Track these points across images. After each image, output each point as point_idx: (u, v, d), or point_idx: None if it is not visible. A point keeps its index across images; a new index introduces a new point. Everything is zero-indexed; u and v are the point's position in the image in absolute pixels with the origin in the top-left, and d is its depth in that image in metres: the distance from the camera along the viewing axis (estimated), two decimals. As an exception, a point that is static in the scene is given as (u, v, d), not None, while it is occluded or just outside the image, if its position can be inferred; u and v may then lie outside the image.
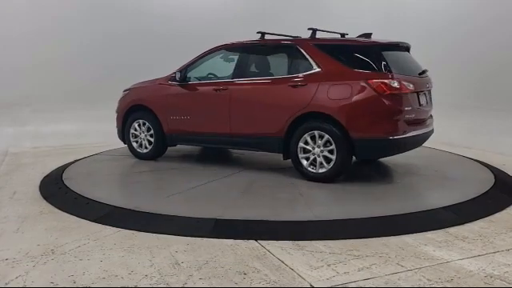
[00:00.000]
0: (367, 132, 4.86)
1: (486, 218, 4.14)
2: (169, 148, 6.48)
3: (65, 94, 8.82)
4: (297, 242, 3.55)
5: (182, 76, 5.99)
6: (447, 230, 3.84)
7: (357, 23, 8.04)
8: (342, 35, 5.84)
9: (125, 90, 6.72)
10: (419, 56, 5.74)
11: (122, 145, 6.90)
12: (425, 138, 5.47)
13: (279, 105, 5.26)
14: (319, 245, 3.49)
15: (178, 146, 6.55)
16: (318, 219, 4.01)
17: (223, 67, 6.07)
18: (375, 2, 10.11)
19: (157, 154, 6.43)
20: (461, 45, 8.81)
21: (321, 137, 5.03)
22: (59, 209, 4.42)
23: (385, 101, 4.79)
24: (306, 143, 5.13)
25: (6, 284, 2.90)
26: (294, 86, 5.20)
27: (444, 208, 4.25)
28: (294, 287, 2.88)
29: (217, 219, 3.95)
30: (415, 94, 5.11)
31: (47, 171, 5.95)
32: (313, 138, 5.09)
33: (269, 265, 3.17)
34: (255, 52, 5.81)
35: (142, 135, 6.41)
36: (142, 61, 9.00)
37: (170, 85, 6.12)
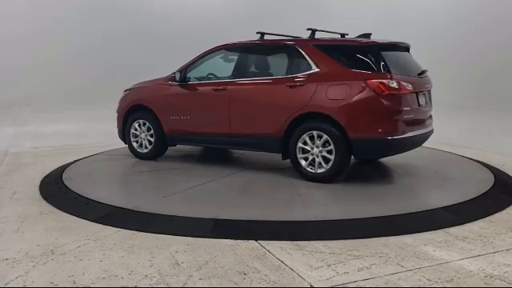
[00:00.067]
0: (366, 132, 4.86)
1: (485, 218, 4.14)
2: (169, 148, 6.48)
3: (65, 94, 8.82)
4: (297, 242, 3.55)
5: (182, 76, 6.00)
6: (447, 230, 3.84)
7: (357, 23, 8.04)
8: (342, 35, 5.84)
9: (125, 90, 6.72)
10: (419, 56, 5.74)
11: (122, 145, 6.90)
12: (424, 138, 5.47)
13: (278, 105, 5.26)
14: (319, 245, 3.50)
15: (179, 146, 6.55)
16: (317, 219, 4.01)
17: (223, 67, 6.08)
18: (375, 2, 10.11)
19: (157, 153, 6.43)
20: (461, 45, 8.81)
21: (319, 137, 5.04)
22: (59, 209, 4.42)
23: (383, 101, 4.78)
24: (305, 143, 5.13)
25: (6, 284, 2.90)
26: (293, 87, 5.20)
27: (444, 208, 4.26)
28: (294, 287, 2.88)
29: (217, 219, 3.95)
30: (414, 95, 5.10)
31: (47, 171, 5.95)
32: (311, 138, 5.09)
33: (269, 265, 3.17)
34: (254, 52, 5.82)
35: (143, 135, 6.42)
36: (142, 61, 9.00)
37: (170, 85, 6.12)
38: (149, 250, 3.43)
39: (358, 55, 5.12)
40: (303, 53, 5.27)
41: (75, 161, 6.48)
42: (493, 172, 5.68)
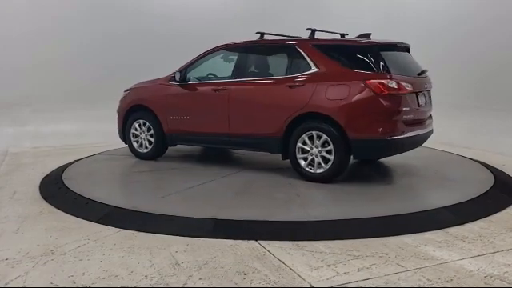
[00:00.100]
0: (365, 132, 4.86)
1: (485, 218, 4.14)
2: (170, 148, 6.49)
3: (65, 94, 8.83)
4: (297, 242, 3.55)
5: (182, 76, 6.00)
6: (447, 230, 3.84)
7: (357, 23, 8.04)
8: (342, 35, 5.84)
9: (126, 90, 6.73)
10: (419, 56, 5.74)
11: (122, 145, 6.90)
12: (424, 138, 5.47)
13: (277, 105, 5.26)
14: (319, 245, 3.50)
15: (179, 146, 6.55)
16: (317, 219, 4.01)
17: (222, 67, 6.08)
18: (375, 2, 10.12)
19: (157, 153, 6.44)
20: (461, 45, 8.81)
21: (319, 137, 5.03)
22: (59, 209, 4.42)
23: (382, 101, 4.78)
24: (304, 143, 5.13)
25: (6, 284, 2.91)
26: (292, 87, 5.20)
27: (444, 208, 4.25)
28: (294, 287, 2.88)
29: (217, 219, 3.95)
30: (414, 95, 5.10)
31: (47, 171, 5.95)
32: (311, 138, 5.09)
33: (269, 265, 3.17)
34: (254, 52, 5.82)
35: (143, 135, 6.42)
36: (142, 61, 9.01)
37: (170, 85, 6.12)
38: (149, 250, 3.43)
39: (357, 55, 5.11)
40: (302, 53, 5.27)
41: (75, 161, 6.48)
42: (493, 172, 5.68)
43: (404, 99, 4.91)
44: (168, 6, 9.54)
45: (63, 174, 5.64)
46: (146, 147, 6.43)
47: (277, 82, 5.42)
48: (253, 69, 5.78)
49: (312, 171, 5.13)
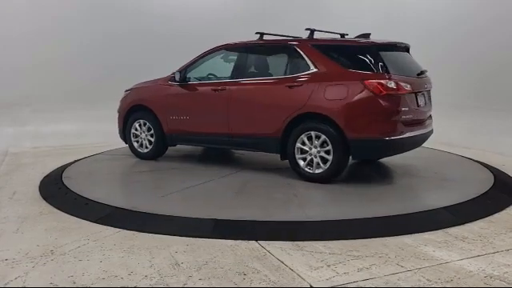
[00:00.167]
0: (363, 132, 4.85)
1: (485, 219, 4.14)
2: (170, 148, 6.49)
3: (65, 94, 8.82)
4: (296, 242, 3.55)
5: (182, 76, 6.00)
6: (447, 230, 3.84)
7: (357, 23, 8.04)
8: (342, 35, 5.84)
9: (126, 90, 6.74)
10: (419, 56, 5.74)
11: (122, 145, 6.91)
12: (424, 138, 5.47)
13: (276, 105, 5.26)
14: (319, 245, 3.50)
15: (179, 146, 6.56)
16: (317, 220, 4.01)
17: (222, 67, 6.08)
18: (375, 2, 10.11)
19: (157, 153, 6.45)
20: (461, 45, 8.81)
21: (317, 137, 5.03)
22: (59, 209, 4.42)
23: (381, 101, 4.78)
24: (303, 144, 5.13)
25: (6, 284, 2.91)
26: (291, 87, 5.20)
27: (443, 208, 4.25)
28: (294, 287, 2.88)
29: (217, 219, 3.95)
30: (413, 95, 5.09)
31: (47, 171, 5.95)
32: (310, 138, 5.09)
33: (268, 265, 3.17)
34: (253, 52, 5.81)
35: (143, 135, 6.43)
36: (141, 61, 9.01)
37: (170, 85, 6.13)
38: (148, 250, 3.43)
39: (356, 55, 5.11)
40: (302, 53, 5.27)
41: (75, 161, 6.48)
42: (492, 172, 5.68)
43: (403, 99, 4.91)
44: (168, 5, 9.54)
45: (63, 174, 5.64)
46: (147, 147, 6.44)
47: (276, 82, 5.42)
48: (252, 69, 5.78)
49: (311, 171, 5.13)
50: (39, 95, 8.66)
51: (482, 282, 2.93)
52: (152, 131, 6.32)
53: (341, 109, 4.89)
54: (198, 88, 5.99)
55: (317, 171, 5.09)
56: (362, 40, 5.39)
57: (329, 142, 4.95)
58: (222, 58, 6.15)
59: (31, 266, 3.17)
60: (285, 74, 5.40)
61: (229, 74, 5.80)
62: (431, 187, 5.20)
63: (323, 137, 4.98)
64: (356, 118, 4.87)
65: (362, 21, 9.00)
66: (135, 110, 6.47)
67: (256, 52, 5.83)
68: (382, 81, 4.78)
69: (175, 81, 6.05)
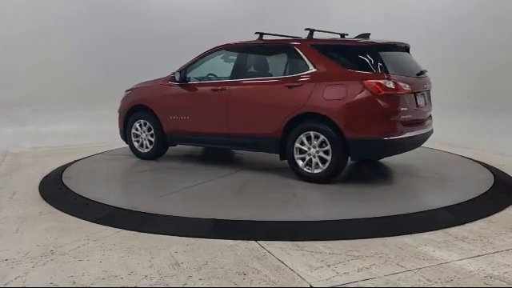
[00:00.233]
0: (362, 133, 4.85)
1: (485, 219, 4.14)
2: (171, 148, 6.50)
3: (65, 94, 8.82)
4: (296, 242, 3.55)
5: (182, 76, 6.01)
6: (447, 230, 3.84)
7: (357, 23, 8.04)
8: (342, 35, 5.84)
9: (127, 90, 6.75)
10: (419, 56, 5.74)
11: (123, 145, 6.92)
12: (424, 138, 5.46)
13: (276, 105, 5.26)
14: (319, 245, 3.50)
15: (180, 146, 6.57)
16: (316, 220, 4.02)
17: (222, 67, 6.09)
18: (375, 2, 10.11)
19: (157, 153, 6.45)
20: (461, 45, 8.80)
21: (316, 137, 5.03)
22: (59, 209, 4.42)
23: (380, 101, 4.77)
24: (302, 144, 5.13)
25: (6, 284, 2.91)
26: (290, 87, 5.20)
27: (443, 208, 4.25)
28: (294, 287, 2.88)
29: (216, 219, 3.95)
30: (412, 95, 5.09)
31: (47, 171, 5.95)
32: (308, 138, 5.09)
33: (268, 265, 3.17)
34: (253, 52, 5.81)
35: (143, 135, 6.44)
36: (141, 61, 9.01)
37: (170, 85, 6.13)
38: (148, 250, 3.43)
39: (355, 55, 5.11)
40: (301, 53, 5.27)
41: (75, 161, 6.48)
42: (492, 172, 5.68)
43: (402, 99, 4.90)
44: (168, 5, 9.54)
45: (63, 174, 5.65)
46: (147, 147, 6.45)
47: (275, 82, 5.42)
48: (252, 69, 5.78)
49: (309, 171, 5.12)
50: (39, 95, 8.66)
51: (481, 282, 2.93)
52: (152, 131, 6.33)
53: (340, 109, 4.88)
54: (198, 88, 5.99)
55: (316, 171, 5.09)
56: (362, 40, 5.39)
57: (328, 142, 4.95)
58: (222, 58, 6.15)
59: (31, 265, 3.17)
60: (284, 74, 5.40)
61: (228, 74, 5.80)
62: (431, 187, 5.20)
63: (322, 137, 4.98)
64: (355, 118, 4.87)
65: (362, 21, 9.00)
66: (136, 110, 6.47)
67: (255, 52, 5.83)
68: (380, 81, 4.78)
69: (175, 81, 6.06)
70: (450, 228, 3.87)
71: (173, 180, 5.40)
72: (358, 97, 4.82)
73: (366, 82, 4.80)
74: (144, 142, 6.45)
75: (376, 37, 5.50)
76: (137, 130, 6.48)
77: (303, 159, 5.15)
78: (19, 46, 8.54)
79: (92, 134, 8.20)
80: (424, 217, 4.11)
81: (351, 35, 5.75)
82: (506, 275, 3.03)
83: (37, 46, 8.66)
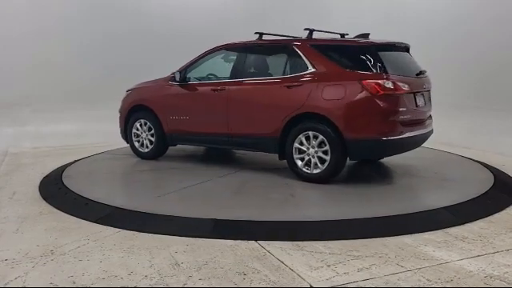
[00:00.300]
0: (361, 133, 4.84)
1: (485, 219, 4.14)
2: (171, 147, 6.50)
3: (65, 94, 8.83)
4: (296, 242, 3.55)
5: (182, 76, 6.01)
6: (447, 230, 3.84)
7: (357, 23, 8.05)
8: (342, 35, 5.84)
9: (128, 90, 6.75)
10: (419, 56, 5.74)
11: (123, 144, 6.92)
12: (423, 138, 5.46)
13: (275, 105, 5.26)
14: (319, 245, 3.50)
15: (181, 146, 6.57)
16: (316, 220, 4.02)
17: (222, 67, 6.09)
18: (375, 2, 10.11)
19: (158, 153, 6.46)
20: (461, 45, 8.80)
21: (315, 137, 5.03)
22: (59, 209, 4.42)
23: (378, 101, 4.77)
24: (301, 144, 5.13)
25: (6, 284, 2.91)
26: (290, 87, 5.20)
27: (443, 208, 4.25)
28: (294, 287, 2.88)
29: (216, 219, 3.95)
30: (411, 95, 5.08)
31: (47, 171, 5.95)
32: (308, 138, 5.08)
33: (268, 265, 3.17)
34: (252, 52, 5.81)
35: (144, 135, 6.45)
36: (142, 61, 9.01)
37: (170, 85, 6.14)
38: (148, 250, 3.43)
39: (354, 55, 5.11)
40: (300, 53, 5.27)
41: (75, 161, 6.48)
42: (492, 172, 5.68)
43: (401, 99, 4.90)
44: (168, 5, 9.54)
45: (63, 174, 5.65)
46: (147, 147, 6.46)
47: (274, 82, 5.42)
48: (251, 69, 5.78)
49: (308, 171, 5.12)
50: (39, 95, 8.66)
51: (481, 282, 2.93)
52: (153, 131, 6.33)
53: (338, 109, 4.88)
54: (198, 88, 6.00)
55: (315, 171, 5.08)
56: (361, 40, 5.38)
57: (326, 143, 4.95)
58: (222, 58, 6.16)
59: (31, 266, 3.17)
60: (283, 74, 5.40)
61: (228, 74, 5.81)
62: (431, 187, 5.20)
63: (321, 137, 4.98)
64: (353, 118, 4.86)
65: (362, 21, 9.00)
66: (136, 109, 6.48)
67: (255, 52, 5.83)
68: (379, 81, 4.77)
69: (175, 81, 6.06)
70: (450, 228, 3.87)
71: (172, 180, 5.40)
72: (357, 97, 4.82)
73: (364, 82, 4.79)
74: (144, 142, 6.46)
75: (376, 37, 5.50)
76: (137, 129, 6.49)
77: (302, 159, 5.15)
78: (19, 45, 8.55)
79: (92, 133, 8.20)
80: (424, 217, 4.11)
81: (351, 35, 5.75)
82: (506, 275, 3.03)
83: (37, 46, 8.66)
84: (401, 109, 4.89)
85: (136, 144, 6.55)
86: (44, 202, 4.72)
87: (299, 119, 5.13)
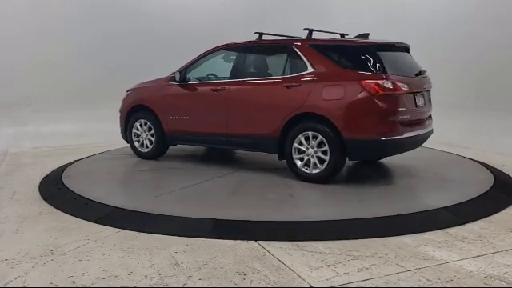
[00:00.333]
0: (360, 133, 4.84)
1: (485, 219, 4.14)
2: (172, 147, 6.51)
3: (65, 94, 8.82)
4: (296, 242, 3.55)
5: (182, 76, 6.02)
6: (447, 230, 3.84)
7: (357, 23, 8.04)
8: (342, 35, 5.84)
9: (128, 90, 6.75)
10: (419, 56, 5.73)
11: (123, 144, 6.92)
12: (423, 138, 5.46)
13: (274, 105, 5.26)
14: (319, 245, 3.50)
15: (182, 146, 6.57)
16: (318, 220, 4.02)
17: (222, 67, 6.09)
18: (375, 2, 10.11)
19: (158, 153, 6.47)
20: (461, 45, 8.80)
21: (314, 137, 5.02)
22: (59, 209, 4.42)
23: (377, 101, 4.77)
24: (301, 144, 5.13)
25: (6, 284, 2.91)
26: (289, 87, 5.20)
27: (443, 208, 4.25)
28: (294, 287, 2.88)
29: (216, 219, 3.95)
30: (411, 95, 5.08)
31: (47, 171, 5.95)
32: (307, 138, 5.08)
33: (268, 265, 3.17)
34: (252, 52, 5.81)
35: (144, 135, 6.45)
36: (142, 61, 9.01)
37: (170, 85, 6.14)
38: (148, 250, 3.43)
39: (354, 55, 5.12)
40: (299, 53, 5.27)
41: (75, 161, 6.48)
42: (492, 172, 5.68)
43: (400, 100, 4.90)
44: (168, 5, 9.54)
45: (63, 174, 5.65)
46: (147, 147, 6.47)
47: (274, 82, 5.43)
48: (251, 69, 5.78)
49: (308, 171, 5.12)
50: (39, 95, 8.66)
51: (481, 282, 2.93)
52: (153, 131, 6.34)
53: (337, 109, 4.88)
54: (198, 88, 6.00)
55: (314, 171, 5.08)
56: (360, 40, 5.38)
57: (326, 143, 4.95)
58: (222, 58, 6.16)
59: (31, 266, 3.17)
60: (283, 74, 5.40)
61: (228, 74, 5.81)
62: (431, 187, 5.20)
63: (320, 137, 4.98)
64: (352, 119, 4.86)
65: (362, 21, 9.00)
66: (136, 109, 6.49)
67: (254, 52, 5.83)
68: (378, 81, 4.77)
69: (175, 81, 6.06)
70: (450, 228, 3.87)
71: (172, 180, 5.41)
72: (356, 97, 4.82)
73: (363, 82, 4.79)
74: (144, 142, 6.47)
75: (376, 37, 5.50)
76: (137, 129, 6.49)
77: (302, 159, 5.15)
78: (19, 45, 8.54)
79: (92, 134, 8.20)
80: (424, 217, 4.11)
81: (351, 35, 5.75)
82: (505, 275, 3.03)
83: (37, 46, 8.66)
84: (400, 109, 4.89)
85: (136, 144, 6.55)
86: (44, 202, 4.72)
87: (298, 119, 5.13)
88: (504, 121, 7.82)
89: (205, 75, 6.18)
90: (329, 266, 3.16)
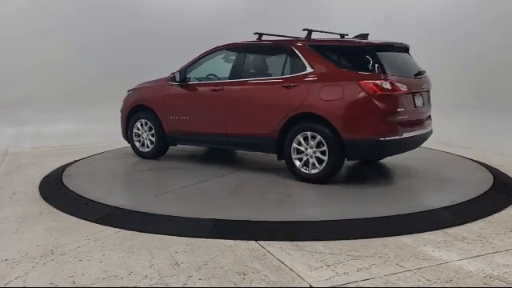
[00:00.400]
0: (358, 133, 4.84)
1: (485, 219, 4.14)
2: (172, 147, 6.51)
3: (65, 94, 8.82)
4: (296, 242, 3.55)
5: (182, 76, 6.02)
6: (446, 230, 3.84)
7: (357, 23, 8.05)
8: (342, 36, 5.84)
9: (129, 90, 6.77)
10: (419, 56, 5.74)
11: (123, 144, 6.93)
12: (423, 139, 5.46)
13: (273, 105, 5.26)
14: (319, 245, 3.50)
15: (182, 146, 6.57)
16: (316, 220, 4.02)
17: (221, 68, 6.10)
18: (375, 2, 10.11)
19: (158, 153, 6.48)
20: (461, 45, 8.80)
21: (313, 138, 5.03)
22: (59, 209, 4.43)
23: (376, 102, 4.76)
24: (299, 144, 5.13)
25: (6, 284, 2.91)
26: (288, 87, 5.20)
27: (443, 208, 4.26)
28: (294, 287, 2.89)
29: (216, 219, 3.96)
30: (410, 95, 5.08)
31: (47, 171, 5.95)
32: (306, 138, 5.08)
33: (268, 265, 3.17)
34: (251, 53, 5.81)
35: (144, 135, 6.47)
36: (141, 61, 9.01)
37: (170, 85, 6.15)
38: (148, 250, 3.43)
39: (352, 56, 5.12)
40: (298, 53, 5.27)
41: (75, 161, 6.49)
42: (492, 172, 5.68)
43: (399, 100, 4.90)
44: (168, 5, 9.54)
45: (63, 174, 5.65)
46: (148, 146, 6.48)
47: (273, 82, 5.43)
48: (250, 69, 5.78)
49: (306, 172, 5.12)
50: (39, 95, 8.66)
51: (481, 282, 2.93)
52: (153, 131, 6.35)
53: (336, 109, 4.88)
54: (198, 88, 6.01)
55: (312, 171, 5.08)
56: (359, 40, 5.38)
57: (324, 143, 4.95)
58: (222, 59, 6.17)
59: (31, 266, 3.17)
60: (282, 74, 5.41)
61: (227, 75, 5.82)
62: (431, 187, 5.20)
63: (319, 137, 4.98)
64: (351, 119, 4.86)
65: (362, 21, 9.00)
66: (137, 109, 6.51)
67: (254, 52, 5.83)
68: (376, 81, 4.77)
69: (175, 81, 6.07)
70: (449, 228, 3.88)
71: (172, 179, 5.41)
72: (355, 97, 4.82)
73: (362, 82, 4.79)
74: (145, 142, 6.48)
75: (376, 37, 5.50)
76: (138, 129, 6.51)
77: (300, 159, 5.15)
78: (19, 45, 8.54)
79: (92, 133, 8.20)
80: (424, 217, 4.11)
81: (351, 35, 5.75)
82: (505, 275, 3.03)
83: (37, 46, 8.65)
84: (399, 109, 4.89)
85: (137, 144, 6.57)
86: (44, 201, 4.72)
87: (297, 119, 5.13)
88: (504, 121, 7.82)
89: (205, 75, 6.18)
90: (329, 265, 3.16)
